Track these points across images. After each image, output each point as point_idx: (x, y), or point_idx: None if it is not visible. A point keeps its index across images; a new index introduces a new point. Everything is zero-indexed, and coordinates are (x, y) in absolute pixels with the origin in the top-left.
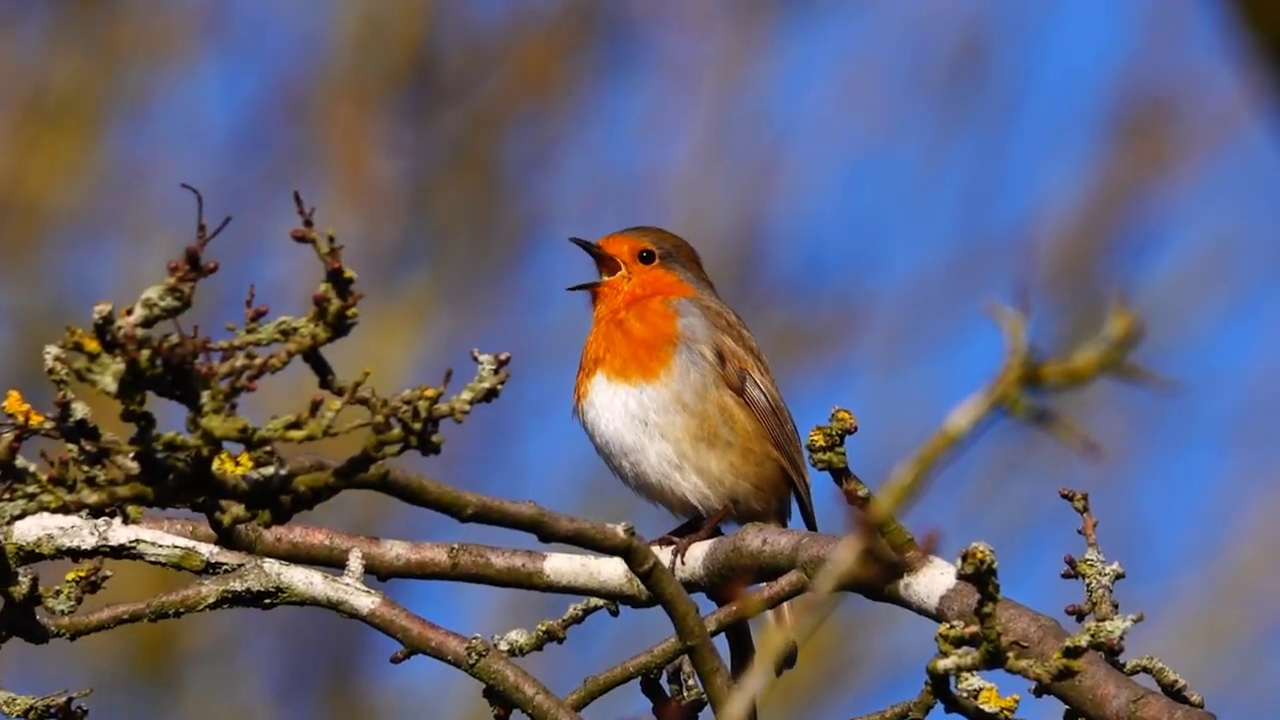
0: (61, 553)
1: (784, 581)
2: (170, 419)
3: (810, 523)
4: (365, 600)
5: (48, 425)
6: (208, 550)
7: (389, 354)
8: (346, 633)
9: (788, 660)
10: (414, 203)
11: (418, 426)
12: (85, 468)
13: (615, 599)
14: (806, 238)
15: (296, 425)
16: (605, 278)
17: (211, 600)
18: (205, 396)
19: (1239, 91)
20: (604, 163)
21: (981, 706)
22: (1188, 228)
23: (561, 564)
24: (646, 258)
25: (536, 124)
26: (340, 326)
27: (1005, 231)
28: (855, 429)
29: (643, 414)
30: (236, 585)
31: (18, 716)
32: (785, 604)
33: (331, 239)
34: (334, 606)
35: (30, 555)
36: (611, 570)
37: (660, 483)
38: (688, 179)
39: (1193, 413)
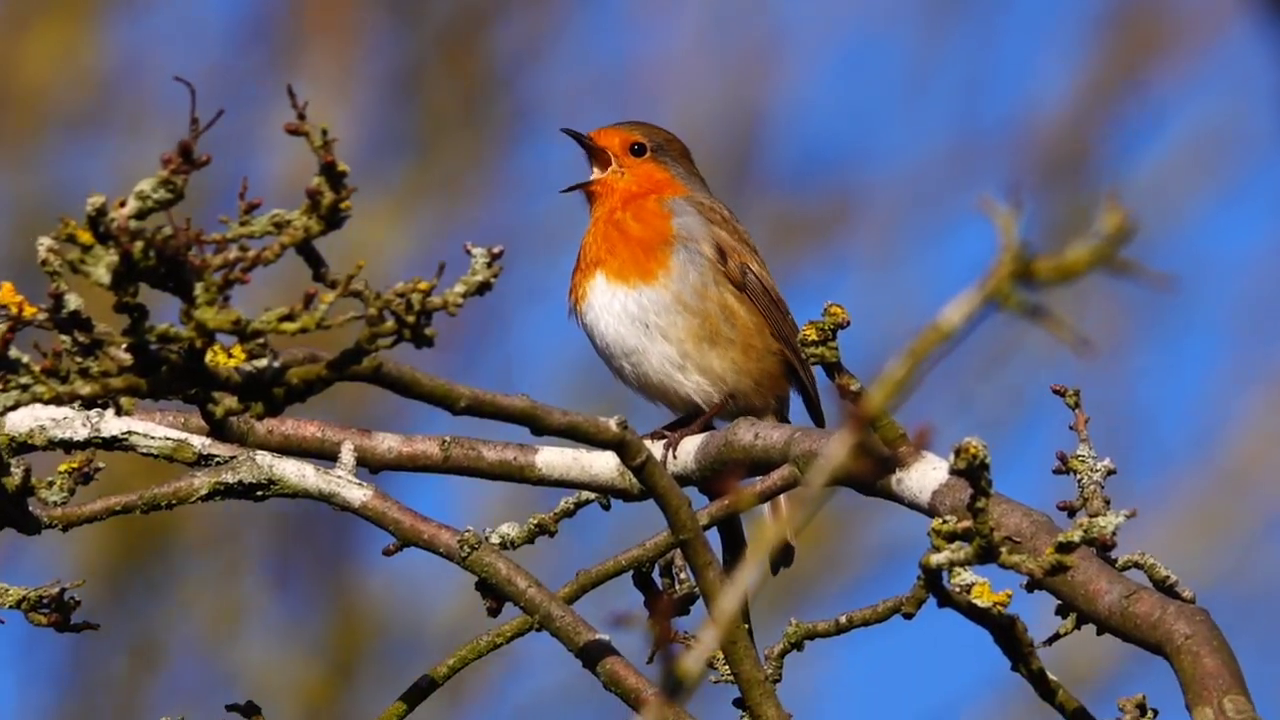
0: (54, 444)
1: (776, 476)
2: (163, 311)
3: (817, 416)
4: (357, 493)
5: (41, 317)
6: (200, 442)
7: (377, 243)
8: (337, 524)
9: (785, 558)
10: (402, 92)
11: (411, 319)
12: (78, 359)
13: (607, 493)
14: (801, 129)
15: (289, 318)
16: (597, 174)
17: (204, 492)
18: (198, 288)
19: None
20: (595, 52)
21: (974, 601)
22: (1179, 118)
23: (553, 457)
24: (638, 150)
25: (525, 12)
26: (333, 219)
27: (999, 124)
28: (848, 323)
29: (643, 316)
30: (229, 477)
31: (10, 607)
32: (781, 497)
33: (325, 132)
34: (326, 499)
35: (23, 446)
36: (603, 464)
37: (663, 383)
38: (680, 69)
39: (1186, 304)
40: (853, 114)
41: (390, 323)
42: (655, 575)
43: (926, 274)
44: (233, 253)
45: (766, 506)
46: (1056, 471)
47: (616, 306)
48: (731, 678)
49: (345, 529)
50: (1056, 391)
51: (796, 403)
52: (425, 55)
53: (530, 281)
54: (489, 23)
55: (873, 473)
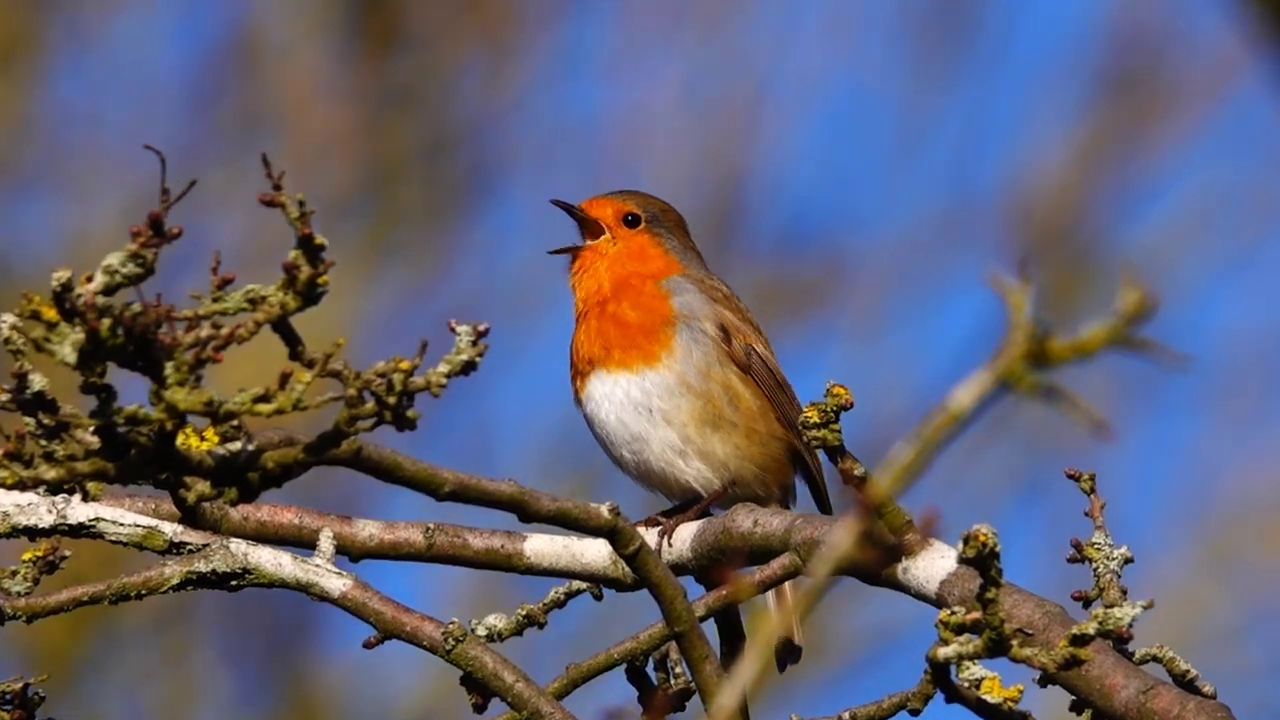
0: (18, 531)
1: (776, 565)
2: (132, 392)
3: (823, 504)
4: (336, 582)
5: (4, 397)
6: (171, 529)
7: (335, 309)
8: (294, 605)
9: (792, 654)
10: (363, 149)
11: (392, 400)
12: (43, 442)
13: (599, 582)
14: (785, 191)
15: (265, 398)
16: (588, 241)
17: (175, 581)
18: (169, 368)
19: (1233, 40)
20: (567, 108)
21: (984, 697)
22: (1181, 183)
23: (542, 545)
24: (631, 221)
25: (493, 64)
26: (311, 295)
27: (993, 188)
28: (851, 405)
29: (646, 400)
30: (201, 566)
31: None
32: (786, 586)
33: (302, 203)
34: (304, 589)
35: None
36: (595, 552)
37: (664, 470)
38: (658, 126)
39: (1184, 375)
40: (839, 176)
41: (370, 404)
42: (649, 669)
43: (917, 345)
44: (205, 330)
45: (770, 597)
46: (1071, 560)
47: (619, 394)
48: None
49: (304, 610)
50: (1071, 476)
51: (802, 490)
52: (385, 109)
53: (500, 348)
54: (452, 74)
55: (878, 562)
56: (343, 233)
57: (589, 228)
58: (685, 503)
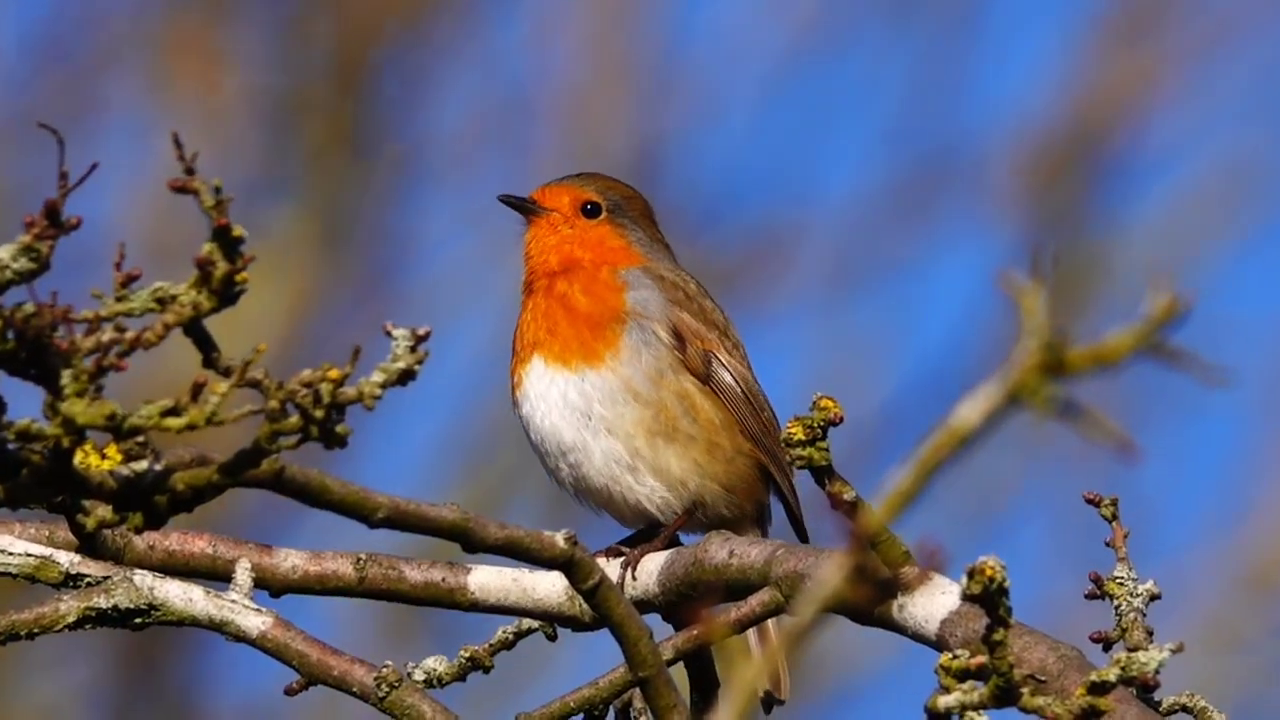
0: None
1: (754, 601)
2: (24, 404)
3: (799, 530)
4: (255, 620)
5: None
6: (67, 559)
7: (253, 305)
8: (184, 641)
9: (772, 705)
10: (274, 126)
11: (319, 414)
12: None
13: (553, 620)
14: (717, 157)
15: (174, 412)
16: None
17: (72, 619)
18: (66, 376)
19: None
20: (489, 75)
21: None
22: (1188, 145)
23: (489, 579)
24: (591, 211)
25: (414, 31)
26: (227, 294)
27: (958, 148)
28: (841, 420)
29: (585, 405)
30: (101, 602)
31: None
32: (769, 624)
33: (218, 189)
34: (217, 627)
35: None
36: (549, 586)
37: (608, 487)
38: (582, 92)
39: (1221, 388)
40: (781, 139)
41: (295, 418)
42: None
43: (872, 330)
44: (107, 334)
45: (752, 637)
46: (1090, 596)
47: (554, 394)
48: None
49: (215, 652)
50: (1090, 501)
51: (776, 513)
52: (299, 80)
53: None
54: (371, 43)
55: (872, 600)
56: (258, 219)
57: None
58: (649, 530)
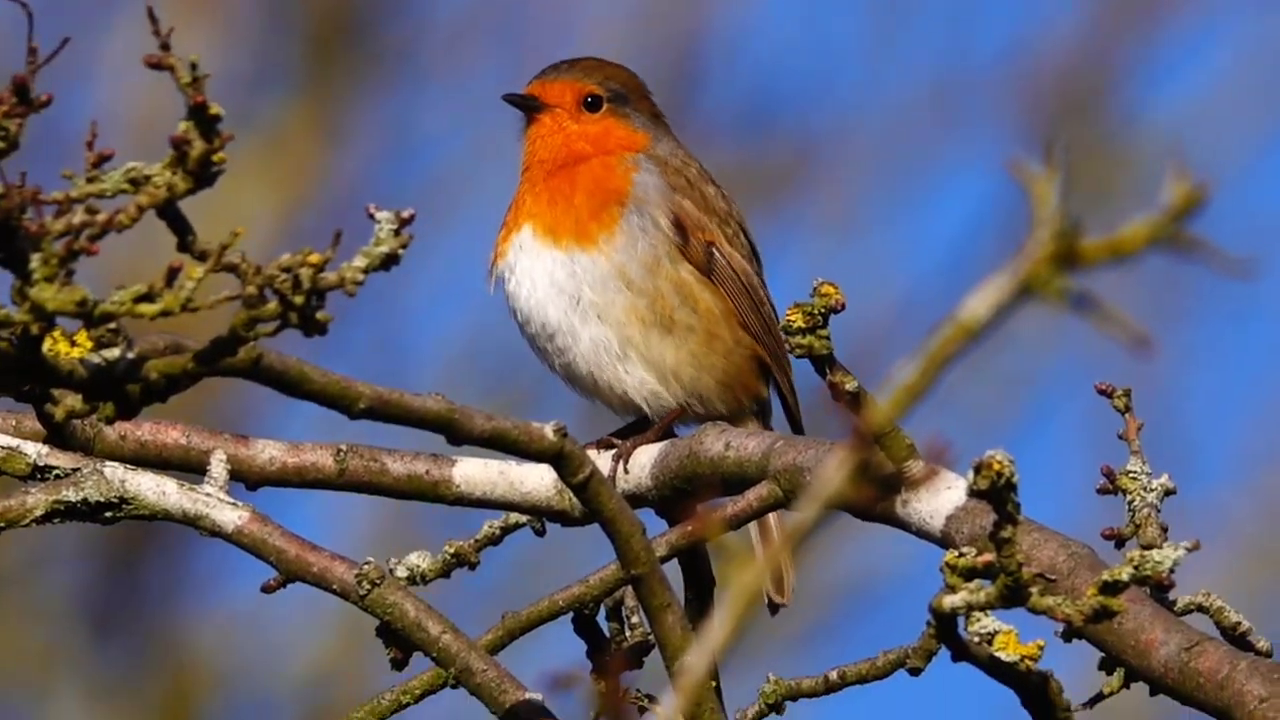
0: None
1: (752, 495)
2: None
3: (796, 425)
4: (230, 514)
5: None
6: (35, 450)
7: (243, 199)
8: (168, 540)
9: (777, 601)
10: (268, 21)
11: (299, 300)
12: None
13: (541, 515)
14: (749, 59)
15: (148, 298)
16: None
17: (40, 512)
18: (35, 260)
19: None
20: None
21: (997, 654)
22: (1211, 46)
23: (474, 471)
24: (593, 104)
25: None
26: (204, 175)
27: (994, 54)
28: (842, 307)
29: (574, 289)
30: (70, 494)
31: None
32: (771, 518)
33: (194, 65)
34: (191, 522)
35: None
36: (537, 479)
37: (593, 375)
38: None
39: (1241, 279)
40: (813, 44)
41: (273, 304)
42: (601, 619)
43: (905, 239)
44: (78, 216)
45: (754, 531)
46: (1101, 491)
47: (540, 272)
48: None
49: (185, 552)
50: (1102, 391)
51: (776, 412)
52: None
53: (425, 246)
54: None
55: (875, 498)
56: (252, 112)
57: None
58: (642, 421)
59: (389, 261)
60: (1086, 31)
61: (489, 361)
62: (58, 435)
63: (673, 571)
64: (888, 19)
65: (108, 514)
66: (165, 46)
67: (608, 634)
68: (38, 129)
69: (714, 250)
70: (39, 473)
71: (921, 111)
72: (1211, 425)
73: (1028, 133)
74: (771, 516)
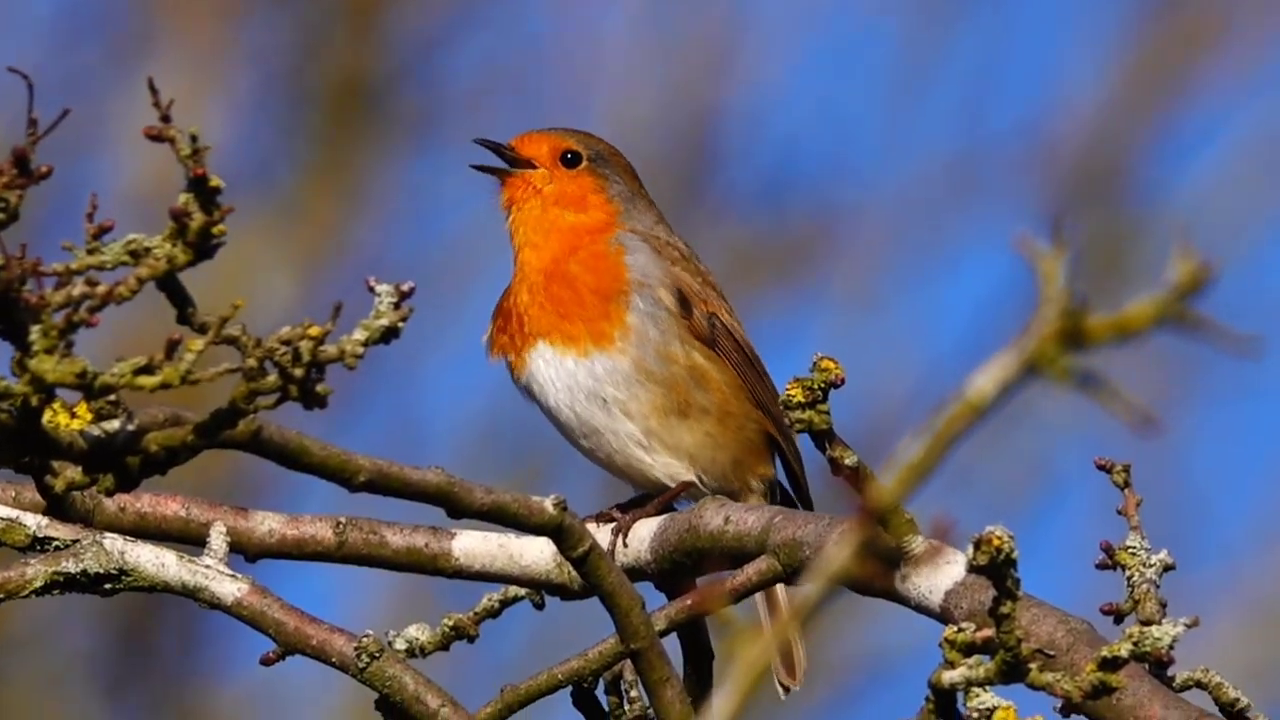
0: None
1: (751, 570)
2: None
3: (803, 496)
4: (230, 586)
5: None
6: (34, 522)
7: (254, 275)
8: (188, 616)
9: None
10: (284, 87)
11: (298, 373)
12: None
13: (540, 588)
14: (769, 136)
15: (148, 370)
16: (519, 170)
17: (39, 584)
18: (35, 332)
19: None
20: (514, 37)
21: None
22: (1237, 123)
23: (474, 544)
24: (570, 160)
25: None
26: (204, 248)
27: (1014, 130)
28: (842, 381)
29: (598, 389)
30: (70, 566)
31: None
32: (779, 591)
33: (194, 138)
34: (190, 594)
35: None
36: (536, 553)
37: (629, 464)
38: (620, 58)
39: (1249, 359)
40: (830, 116)
41: (273, 377)
42: (600, 693)
43: (923, 317)
44: (78, 288)
45: (761, 605)
46: (1100, 566)
47: (564, 379)
48: None
49: (198, 623)
50: (1102, 466)
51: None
52: (310, 43)
53: (435, 320)
54: (386, 4)
55: (878, 574)
56: (260, 184)
57: (521, 169)
58: (643, 496)
59: (389, 335)
60: (1104, 108)
61: (507, 432)
62: (57, 507)
63: (672, 646)
64: (905, 94)
65: (107, 585)
66: (166, 118)
67: (606, 708)
68: (56, 198)
69: (716, 321)
70: (38, 544)
71: (938, 187)
72: (1213, 502)
73: (1044, 209)
74: (780, 591)
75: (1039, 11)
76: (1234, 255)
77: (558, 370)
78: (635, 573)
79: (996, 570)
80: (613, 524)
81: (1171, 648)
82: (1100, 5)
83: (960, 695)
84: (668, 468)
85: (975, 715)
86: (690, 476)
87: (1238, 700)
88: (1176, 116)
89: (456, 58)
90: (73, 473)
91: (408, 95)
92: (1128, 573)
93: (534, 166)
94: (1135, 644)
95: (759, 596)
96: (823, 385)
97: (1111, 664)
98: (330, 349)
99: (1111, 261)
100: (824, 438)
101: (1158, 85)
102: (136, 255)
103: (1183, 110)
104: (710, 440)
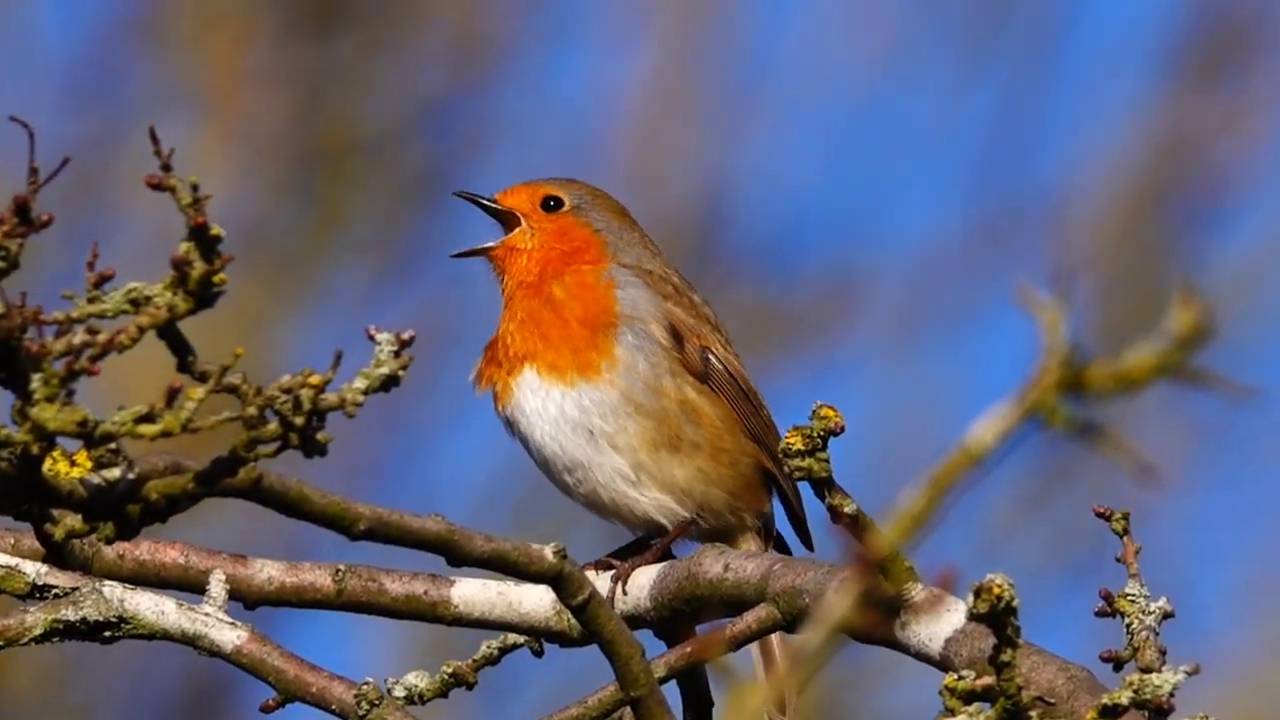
0: None
1: (750, 618)
2: None
3: (802, 531)
4: (229, 634)
5: None
6: (34, 570)
7: (264, 329)
8: (202, 670)
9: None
10: (297, 145)
11: (299, 421)
12: None
13: (540, 636)
14: (786, 198)
15: (149, 418)
16: (501, 238)
17: (38, 632)
18: (36, 380)
19: None
20: (533, 98)
21: None
22: (1269, 191)
23: (473, 592)
24: (553, 205)
25: (449, 49)
26: (204, 295)
27: (1035, 193)
28: (842, 429)
29: (585, 421)
30: (69, 614)
31: None
32: (774, 641)
33: (195, 187)
34: (190, 641)
35: None
36: (535, 600)
37: (615, 500)
38: (638, 120)
39: (1257, 421)
40: (846, 179)
41: (274, 425)
42: None
43: (942, 379)
44: (79, 336)
45: (757, 656)
46: (1100, 614)
47: (552, 411)
48: None
49: (211, 676)
50: (1101, 514)
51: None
52: (319, 101)
53: (452, 373)
54: (402, 60)
55: (877, 622)
56: (266, 236)
57: (506, 223)
58: (641, 541)
59: (389, 383)
60: (1130, 169)
61: (519, 483)
62: (56, 555)
63: (672, 694)
64: (923, 155)
65: (106, 633)
66: (166, 167)
67: None
68: (37, 248)
69: (709, 355)
70: (38, 591)
71: (957, 250)
72: (1214, 551)
73: (1063, 272)
74: (775, 639)
75: (1063, 73)
76: (1260, 321)
77: (544, 401)
78: (635, 620)
79: (997, 619)
80: (612, 571)
81: (1172, 695)
82: (1126, 69)
83: None
84: (659, 503)
85: None
86: (684, 513)
87: None
88: (1203, 180)
89: (465, 115)
90: (72, 521)
91: (424, 148)
92: (1127, 620)
93: (515, 219)
94: (1136, 691)
95: (755, 645)
96: (822, 433)
97: (1112, 711)
98: (331, 397)
99: (1133, 326)
100: (824, 485)
101: (1190, 146)
102: (137, 304)
103: (1209, 174)
104: (703, 476)
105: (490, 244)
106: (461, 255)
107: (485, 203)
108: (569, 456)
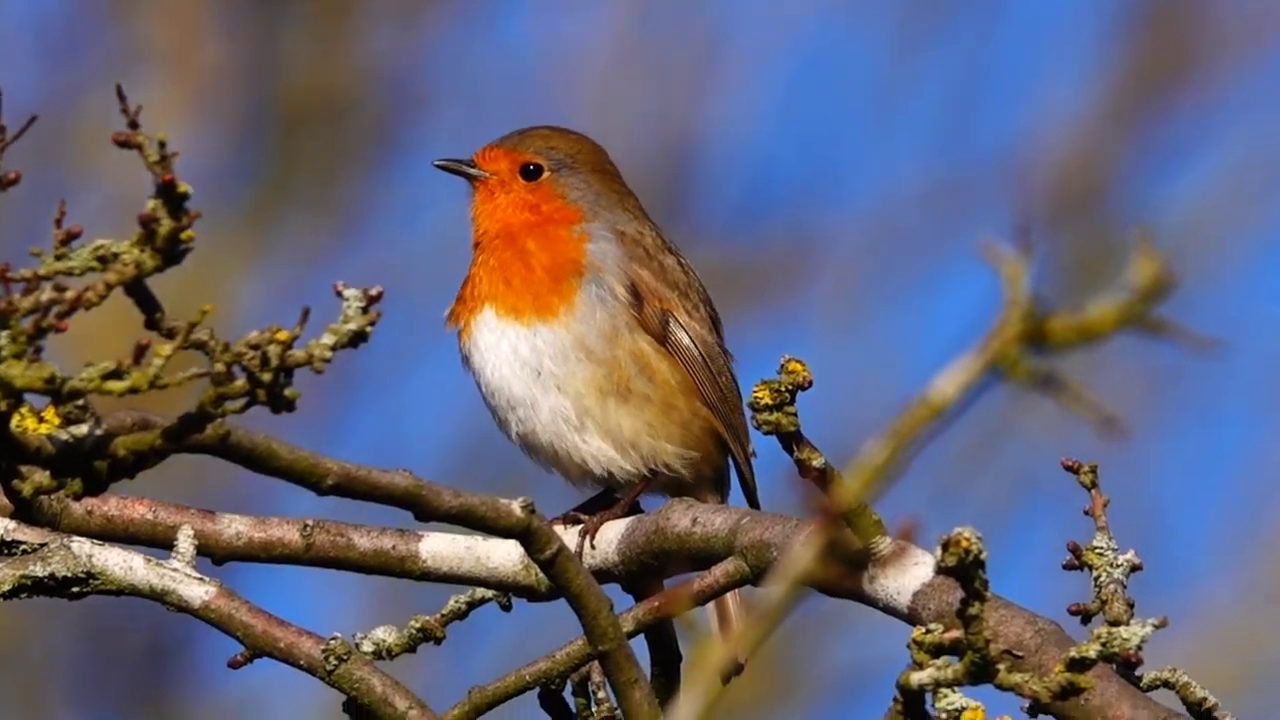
0: None
1: (718, 571)
2: None
3: (751, 500)
4: (197, 589)
5: None
6: (1, 526)
7: (227, 283)
8: (165, 625)
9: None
10: (256, 99)
11: (267, 377)
12: None
13: (508, 590)
14: (748, 156)
15: (116, 374)
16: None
17: (6, 588)
18: (3, 338)
19: None
20: (491, 54)
21: None
22: (1218, 144)
23: (441, 546)
24: (533, 173)
25: (407, 5)
26: (172, 252)
27: (994, 150)
28: (809, 384)
29: (535, 360)
30: (37, 569)
31: None
32: (729, 597)
33: (162, 144)
34: (158, 597)
35: None
36: (504, 555)
37: (553, 444)
38: (598, 78)
39: (1223, 371)
40: (811, 137)
41: (241, 381)
42: (568, 694)
43: (903, 335)
44: (46, 293)
45: (712, 611)
46: (1067, 566)
47: (505, 347)
48: None
49: (176, 631)
50: (1069, 467)
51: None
52: (284, 55)
53: (411, 329)
54: (361, 17)
55: (843, 575)
56: (232, 193)
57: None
58: (607, 495)
59: (357, 339)
60: (1086, 125)
61: (494, 447)
62: (24, 511)
63: (640, 647)
64: (885, 113)
65: (75, 589)
66: (134, 124)
67: (574, 709)
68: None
69: (671, 319)
70: (5, 548)
71: (919, 206)
72: (1182, 504)
73: (1025, 226)
74: (730, 595)
75: (1019, 29)
76: (1216, 271)
77: (499, 338)
78: (603, 574)
79: (965, 572)
80: (580, 526)
81: (1139, 648)
82: (1081, 23)
83: (929, 696)
84: (601, 453)
85: (944, 716)
86: (629, 466)
87: (1205, 700)
88: (1159, 133)
89: (431, 70)
90: (40, 477)
91: (382, 105)
92: (1095, 572)
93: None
94: (1104, 644)
95: (712, 603)
96: (790, 387)
97: (1080, 664)
98: (298, 353)
99: (1092, 278)
100: (791, 439)
101: (1140, 102)
102: (104, 260)
103: (1165, 127)
104: (650, 429)
105: (474, 171)
106: (442, 166)
107: (467, 170)
108: (513, 393)
